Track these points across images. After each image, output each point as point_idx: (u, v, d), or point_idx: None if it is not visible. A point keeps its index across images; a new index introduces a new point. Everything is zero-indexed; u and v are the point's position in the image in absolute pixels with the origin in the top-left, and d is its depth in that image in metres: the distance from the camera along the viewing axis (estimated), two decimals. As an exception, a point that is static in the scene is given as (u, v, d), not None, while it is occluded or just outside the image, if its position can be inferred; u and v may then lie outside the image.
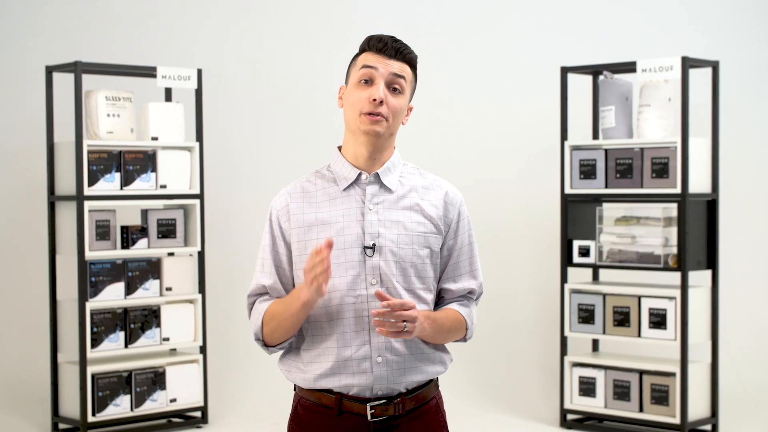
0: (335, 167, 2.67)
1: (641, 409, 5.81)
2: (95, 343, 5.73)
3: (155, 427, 5.98)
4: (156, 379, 5.91)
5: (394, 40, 2.61)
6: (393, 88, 2.59)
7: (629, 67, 5.93)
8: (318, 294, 2.47)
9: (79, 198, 5.64)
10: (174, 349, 6.17)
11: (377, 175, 2.63)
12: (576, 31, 7.21)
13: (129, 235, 5.86)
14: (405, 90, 2.61)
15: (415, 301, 2.58)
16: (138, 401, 5.85)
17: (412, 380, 2.61)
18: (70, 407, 5.81)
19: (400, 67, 2.60)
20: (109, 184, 5.76)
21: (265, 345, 2.66)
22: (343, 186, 2.63)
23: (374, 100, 2.55)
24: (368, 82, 2.58)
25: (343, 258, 2.57)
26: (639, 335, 5.83)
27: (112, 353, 5.82)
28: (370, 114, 2.56)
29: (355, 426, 2.58)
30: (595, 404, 5.96)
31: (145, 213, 5.98)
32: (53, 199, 5.86)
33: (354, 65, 2.64)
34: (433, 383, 2.69)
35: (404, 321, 2.46)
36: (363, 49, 2.64)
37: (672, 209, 5.78)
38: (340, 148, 2.70)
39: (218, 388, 6.54)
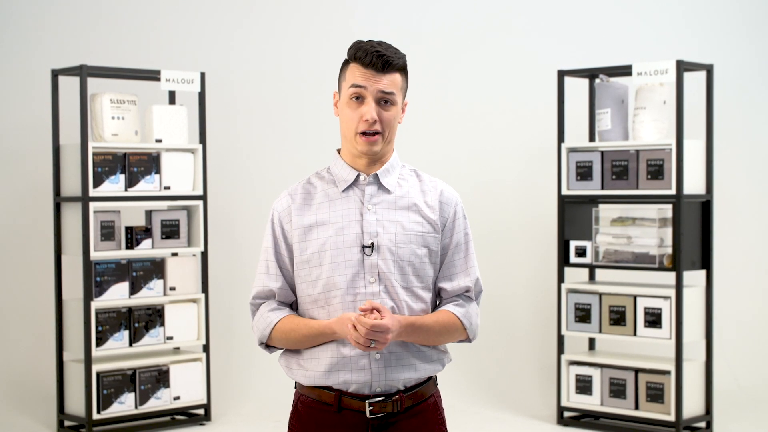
0: (335, 169, 2.70)
1: (637, 407, 5.88)
2: (100, 341, 5.80)
3: (159, 425, 6.04)
4: (160, 378, 5.98)
5: (378, 54, 2.58)
6: (384, 101, 2.61)
7: (625, 71, 5.99)
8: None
9: (85, 199, 5.71)
10: (178, 348, 6.23)
11: (376, 176, 2.67)
12: (572, 36, 7.28)
13: (133, 236, 5.92)
14: (396, 100, 2.63)
15: (412, 300, 2.63)
16: (142, 399, 5.92)
17: (409, 377, 2.64)
18: (75, 405, 5.87)
19: (389, 82, 2.60)
20: (114, 185, 5.82)
21: (268, 347, 2.72)
22: (342, 187, 2.67)
23: (366, 120, 2.59)
24: (359, 99, 2.60)
25: (343, 257, 2.60)
26: (634, 334, 5.89)
27: (117, 352, 5.88)
28: (365, 134, 2.60)
29: (355, 423, 2.62)
30: (592, 402, 6.03)
31: (149, 214, 6.04)
32: (59, 201, 5.92)
33: (343, 77, 2.65)
34: (431, 381, 2.72)
35: (372, 339, 2.49)
36: (350, 57, 2.63)
37: (667, 210, 5.85)
38: (339, 151, 2.73)
39: (221, 386, 6.60)
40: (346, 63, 2.65)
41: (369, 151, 2.62)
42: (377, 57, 2.58)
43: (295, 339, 2.64)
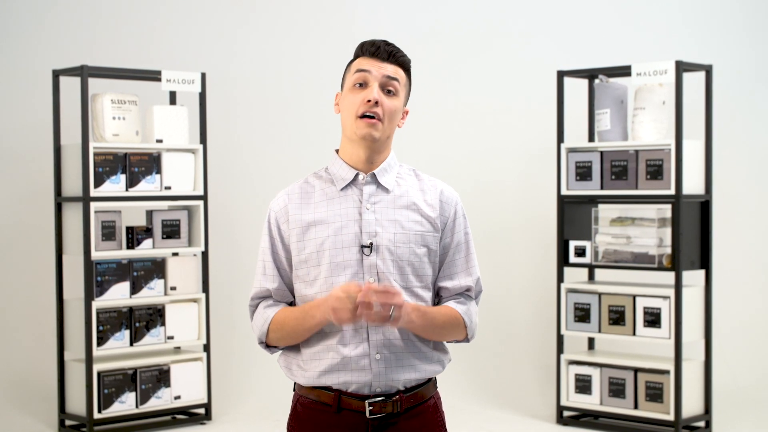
0: (333, 169, 2.70)
1: (636, 406, 5.90)
2: (101, 341, 5.82)
3: (160, 424, 6.06)
4: (161, 377, 6.00)
5: (386, 44, 2.64)
6: (387, 90, 2.62)
7: (624, 71, 6.01)
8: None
9: (86, 199, 5.73)
10: (178, 348, 6.26)
11: (374, 176, 2.66)
12: (572, 36, 7.29)
13: (134, 236, 5.94)
14: (399, 92, 2.64)
15: (412, 300, 2.61)
16: (143, 398, 5.94)
17: (409, 378, 2.63)
18: (76, 404, 5.89)
19: (393, 70, 2.63)
20: (115, 185, 5.84)
21: (268, 346, 2.71)
22: (340, 186, 2.66)
23: (369, 101, 2.59)
24: (362, 85, 2.62)
25: (341, 257, 2.60)
26: (634, 334, 5.91)
27: (118, 351, 5.90)
28: (365, 117, 2.60)
29: (354, 423, 2.60)
30: (591, 401, 6.05)
31: (150, 214, 6.06)
32: (60, 201, 5.94)
33: (348, 71, 2.68)
34: (431, 383, 2.71)
35: (390, 306, 2.44)
36: (357, 54, 2.67)
37: (666, 210, 5.86)
38: (337, 151, 2.73)
39: (222, 385, 6.62)
40: (351, 62, 2.69)
41: (368, 135, 2.61)
42: (384, 46, 2.63)
43: (289, 330, 2.63)
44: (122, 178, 5.86)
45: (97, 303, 5.79)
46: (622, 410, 5.94)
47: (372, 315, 2.45)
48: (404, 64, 2.66)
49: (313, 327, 2.59)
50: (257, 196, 7.07)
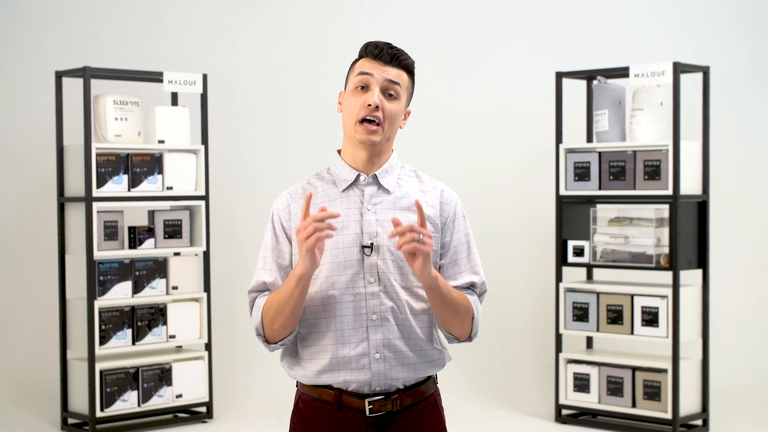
0: (335, 170, 2.72)
1: (634, 405, 5.93)
2: (103, 340, 5.85)
3: (161, 423, 6.09)
4: (162, 376, 6.03)
5: (390, 46, 2.65)
6: (388, 93, 2.64)
7: (622, 72, 6.04)
8: (312, 262, 2.48)
9: (88, 199, 5.76)
10: (180, 347, 6.29)
11: (375, 177, 2.68)
12: (571, 38, 7.32)
13: (136, 236, 5.98)
14: (401, 95, 2.66)
15: (412, 299, 2.64)
16: (145, 397, 5.98)
17: (408, 377, 2.65)
18: (79, 402, 5.92)
19: (396, 74, 2.64)
20: (117, 185, 5.88)
21: (267, 341, 2.68)
22: (342, 187, 2.68)
23: (369, 105, 2.61)
24: (364, 88, 2.63)
25: (342, 257, 2.62)
26: (632, 333, 5.94)
27: (120, 350, 5.93)
28: (365, 122, 2.61)
29: (354, 421, 2.63)
30: (589, 400, 6.09)
31: (151, 214, 6.09)
32: (63, 201, 5.97)
33: (352, 72, 2.69)
34: (431, 380, 2.73)
35: (419, 236, 2.44)
36: (360, 55, 2.68)
37: (664, 210, 5.90)
38: (339, 151, 2.75)
39: (223, 384, 6.65)
40: (354, 62, 2.70)
41: (368, 140, 2.63)
42: (387, 48, 2.64)
43: (276, 304, 2.59)
44: (124, 178, 5.90)
45: (100, 302, 5.83)
46: (620, 409, 5.97)
47: (405, 244, 2.45)
48: (407, 67, 2.67)
49: (295, 287, 2.53)
50: (258, 196, 7.10)
